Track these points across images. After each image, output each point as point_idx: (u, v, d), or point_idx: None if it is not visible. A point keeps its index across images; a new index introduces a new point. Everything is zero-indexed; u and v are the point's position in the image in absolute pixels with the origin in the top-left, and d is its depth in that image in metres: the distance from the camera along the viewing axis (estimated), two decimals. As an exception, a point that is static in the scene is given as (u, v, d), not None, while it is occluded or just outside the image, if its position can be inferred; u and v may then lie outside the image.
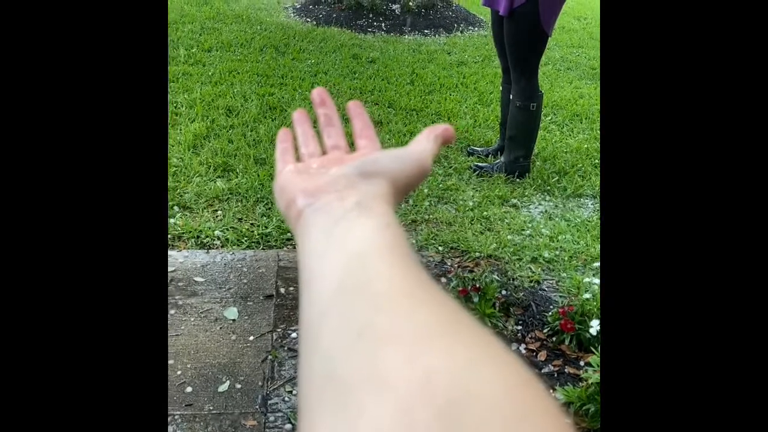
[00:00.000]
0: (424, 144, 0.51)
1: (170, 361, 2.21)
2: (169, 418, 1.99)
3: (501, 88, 3.90)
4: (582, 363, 2.33)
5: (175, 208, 3.16)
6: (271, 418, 2.03)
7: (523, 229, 3.25)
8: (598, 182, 3.72)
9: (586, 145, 4.24)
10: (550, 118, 4.70)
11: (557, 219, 3.38)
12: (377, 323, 0.30)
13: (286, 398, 2.11)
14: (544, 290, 2.79)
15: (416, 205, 3.37)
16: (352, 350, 0.29)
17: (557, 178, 3.80)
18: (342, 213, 0.40)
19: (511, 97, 3.62)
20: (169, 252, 2.83)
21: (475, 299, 2.49)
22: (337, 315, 0.32)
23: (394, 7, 7.06)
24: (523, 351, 2.41)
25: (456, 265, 2.90)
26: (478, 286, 2.55)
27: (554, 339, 2.44)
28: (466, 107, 4.78)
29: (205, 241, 2.94)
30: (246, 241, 2.97)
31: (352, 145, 0.54)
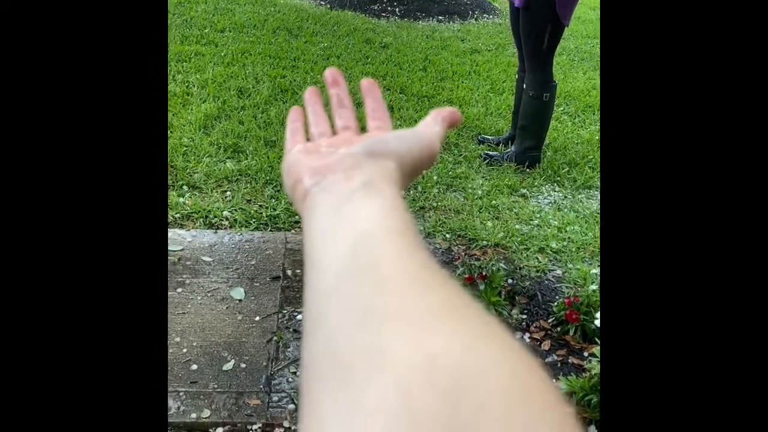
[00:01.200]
0: (431, 126, 0.50)
1: (176, 339, 2.24)
2: (174, 395, 2.01)
3: (516, 76, 3.87)
4: (586, 354, 2.33)
5: (185, 187, 3.17)
6: (275, 398, 2.04)
7: (532, 219, 3.24)
8: (609, 174, 3.68)
9: (597, 137, 4.21)
10: (562, 108, 4.66)
11: (566, 210, 3.37)
12: (382, 304, 0.30)
13: (290, 379, 2.12)
14: (551, 280, 2.79)
15: (425, 192, 3.37)
16: (357, 330, 0.29)
17: (567, 169, 3.78)
18: (348, 193, 0.39)
19: (524, 86, 3.60)
20: (178, 231, 2.85)
21: (481, 287, 2.49)
22: (342, 296, 0.32)
23: (409, -8, 7.00)
24: (527, 340, 2.41)
25: (463, 253, 2.90)
26: (484, 274, 2.55)
27: (559, 329, 2.45)
28: (478, 95, 4.75)
29: (213, 221, 2.96)
30: (254, 222, 2.98)
31: (364, 129, 0.54)
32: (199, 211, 3.00)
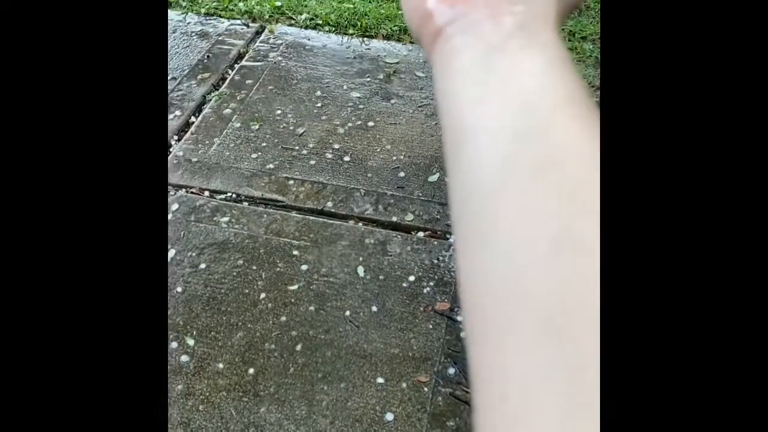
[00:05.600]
0: None
1: (387, 146, 2.35)
2: (382, 196, 2.16)
3: None
4: None
5: None
6: (474, 214, 2.11)
7: None
8: None
9: None
10: None
11: None
12: (577, 233, 0.24)
13: (491, 199, 2.16)
14: None
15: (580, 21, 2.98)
16: (550, 267, 0.24)
17: None
18: (499, 39, 0.30)
19: None
20: (395, 44, 2.87)
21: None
22: (518, 202, 0.26)
23: None
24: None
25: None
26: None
27: None
28: None
29: (429, 37, 2.93)
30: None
31: None
32: (416, 26, 2.97)
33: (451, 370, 1.68)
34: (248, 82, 2.68)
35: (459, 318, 1.80)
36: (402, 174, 2.26)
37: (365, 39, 2.92)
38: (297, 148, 2.37)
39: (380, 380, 1.67)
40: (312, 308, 1.84)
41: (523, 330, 0.24)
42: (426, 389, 1.65)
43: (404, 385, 1.66)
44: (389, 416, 1.60)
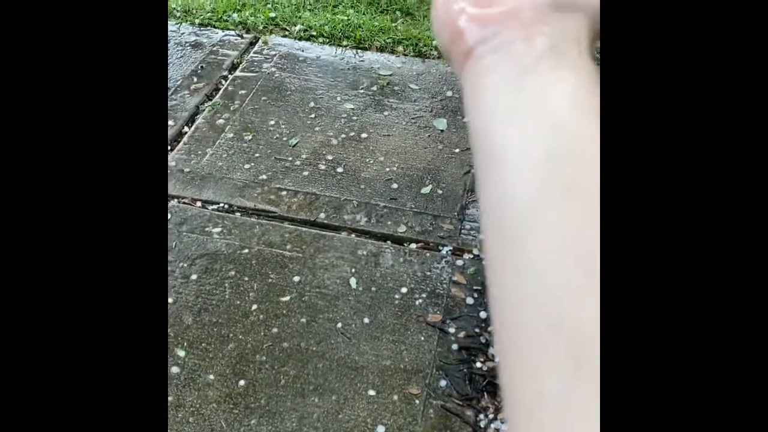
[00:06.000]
0: None
1: (380, 158, 2.36)
2: (374, 207, 2.16)
3: None
4: None
5: (398, 12, 3.15)
6: (467, 226, 2.12)
7: None
8: None
9: None
10: None
11: None
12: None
13: (483, 212, 2.17)
14: None
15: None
16: (582, 293, 0.24)
17: None
18: (531, 60, 0.30)
19: None
20: (388, 56, 2.89)
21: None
22: (548, 228, 0.26)
23: None
24: None
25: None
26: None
27: None
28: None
29: (423, 49, 2.94)
30: (463, 55, 2.92)
31: None
32: (410, 39, 2.99)
33: (443, 383, 1.68)
34: (242, 92, 2.69)
35: (451, 330, 1.80)
36: (395, 186, 2.26)
37: (359, 51, 2.93)
38: (290, 158, 2.37)
39: (372, 392, 1.67)
40: (304, 320, 1.83)
41: (555, 355, 0.24)
42: (417, 401, 1.65)
43: (395, 397, 1.66)
44: (380, 429, 1.59)
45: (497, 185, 0.28)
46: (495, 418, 1.61)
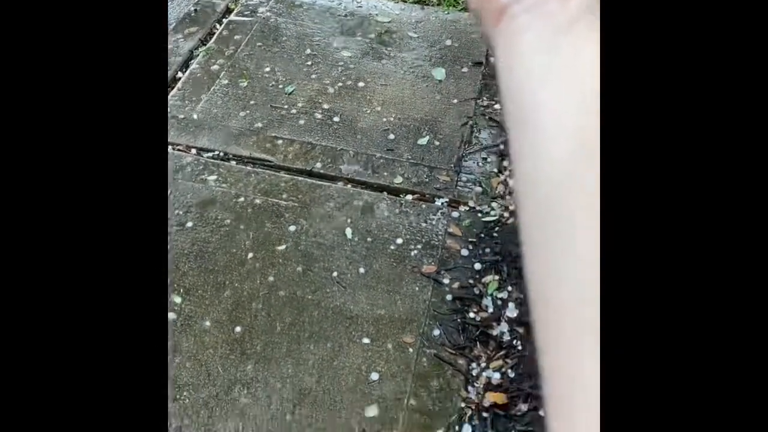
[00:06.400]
0: None
1: (377, 108, 2.33)
2: (372, 158, 2.15)
3: None
4: None
5: (397, -43, 3.06)
6: (464, 179, 2.11)
7: None
8: None
9: None
10: None
11: None
12: None
13: (480, 163, 2.16)
14: None
15: None
16: None
17: None
18: (565, 20, 0.29)
19: None
20: (387, 3, 2.82)
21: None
22: (583, 193, 0.26)
23: None
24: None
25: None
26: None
27: None
28: None
29: (422, -4, 2.87)
30: (463, 2, 2.85)
31: None
32: (410, -16, 2.91)
33: (436, 332, 1.71)
34: (236, 37, 2.63)
35: (445, 281, 1.82)
36: (392, 136, 2.24)
37: (357, -4, 2.86)
38: (286, 107, 2.34)
39: (366, 340, 1.70)
40: (299, 269, 1.85)
41: (594, 337, 0.24)
42: (411, 350, 1.68)
43: (389, 345, 1.69)
44: (374, 375, 1.63)
45: (531, 148, 0.29)
46: (487, 367, 1.64)
